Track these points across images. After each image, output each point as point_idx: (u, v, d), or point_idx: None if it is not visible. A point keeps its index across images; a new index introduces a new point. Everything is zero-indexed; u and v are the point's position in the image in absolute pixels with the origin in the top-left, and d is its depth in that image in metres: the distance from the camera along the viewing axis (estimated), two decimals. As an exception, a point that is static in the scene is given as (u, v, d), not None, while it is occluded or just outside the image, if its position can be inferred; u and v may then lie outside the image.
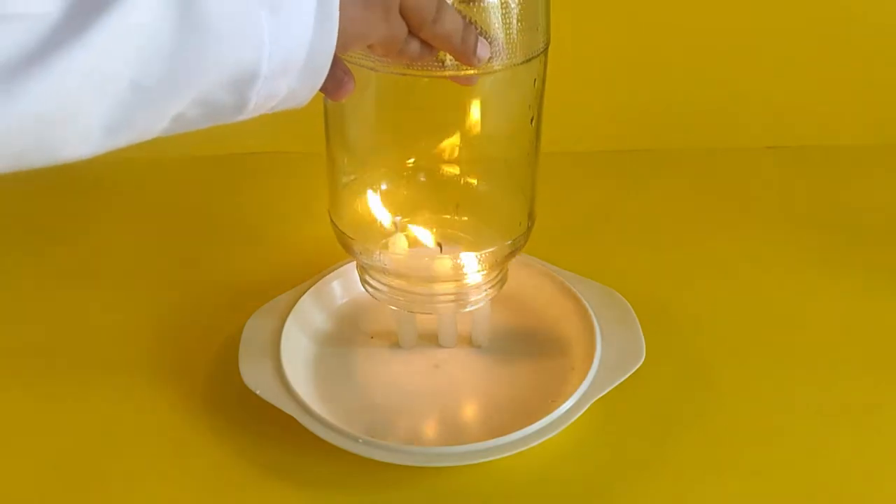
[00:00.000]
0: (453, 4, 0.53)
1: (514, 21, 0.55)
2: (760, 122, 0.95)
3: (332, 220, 0.66)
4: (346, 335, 0.71)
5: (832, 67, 0.92)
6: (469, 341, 0.70)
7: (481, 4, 0.54)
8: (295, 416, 0.60)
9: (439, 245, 0.64)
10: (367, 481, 0.59)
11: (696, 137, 0.94)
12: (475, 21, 0.54)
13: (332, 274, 0.73)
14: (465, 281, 0.64)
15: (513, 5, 0.55)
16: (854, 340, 0.71)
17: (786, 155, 0.94)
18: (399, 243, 0.65)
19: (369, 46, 0.51)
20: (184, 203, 0.90)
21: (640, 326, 0.67)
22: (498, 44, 0.55)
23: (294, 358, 0.66)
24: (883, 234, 0.82)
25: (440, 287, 0.64)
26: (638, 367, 0.64)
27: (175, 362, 0.69)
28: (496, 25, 0.55)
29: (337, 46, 0.46)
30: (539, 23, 0.58)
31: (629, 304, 0.70)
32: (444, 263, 0.64)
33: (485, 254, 0.64)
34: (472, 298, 0.65)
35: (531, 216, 0.66)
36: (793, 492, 0.59)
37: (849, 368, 0.68)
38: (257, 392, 0.62)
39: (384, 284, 0.65)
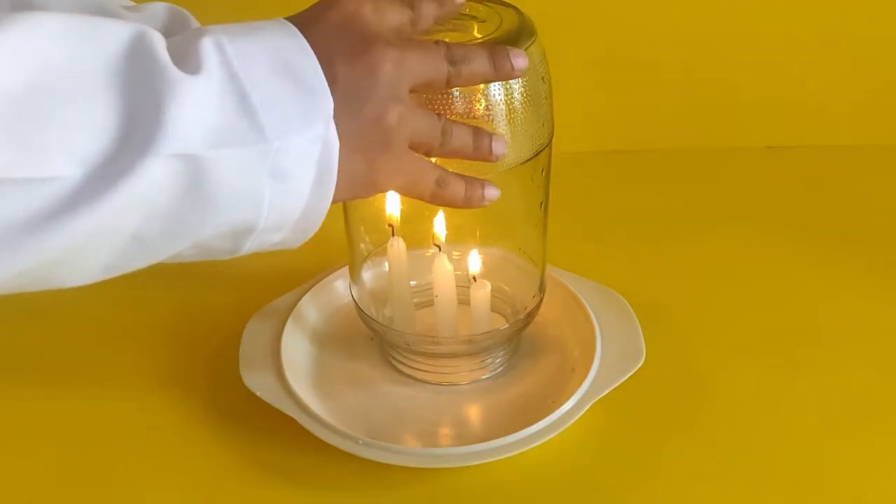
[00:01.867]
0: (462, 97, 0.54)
1: (520, 121, 0.57)
2: (760, 122, 0.95)
3: (352, 295, 0.68)
4: (346, 335, 0.70)
5: (832, 67, 0.92)
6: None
7: (489, 110, 0.55)
8: (295, 417, 0.61)
9: (438, 246, 0.64)
10: (366, 482, 0.59)
11: (696, 137, 0.94)
12: (488, 117, 0.55)
13: (332, 274, 0.73)
14: (483, 353, 0.67)
15: (518, 106, 0.57)
16: (854, 340, 0.71)
17: (786, 155, 0.94)
18: (398, 246, 0.65)
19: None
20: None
21: (640, 326, 0.67)
22: (507, 144, 0.56)
23: (294, 359, 0.66)
24: (883, 235, 0.82)
25: (460, 361, 0.66)
26: (638, 367, 0.64)
27: (175, 363, 0.69)
28: (504, 128, 0.56)
29: (346, 197, 0.49)
30: (543, 117, 0.59)
31: (629, 304, 0.70)
32: (444, 263, 0.64)
33: (501, 329, 0.66)
34: (490, 366, 0.67)
35: (542, 288, 0.68)
36: (792, 492, 0.59)
37: (849, 368, 0.68)
38: (258, 393, 0.62)
39: (407, 359, 0.67)
